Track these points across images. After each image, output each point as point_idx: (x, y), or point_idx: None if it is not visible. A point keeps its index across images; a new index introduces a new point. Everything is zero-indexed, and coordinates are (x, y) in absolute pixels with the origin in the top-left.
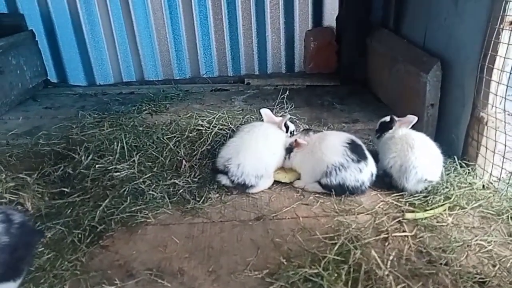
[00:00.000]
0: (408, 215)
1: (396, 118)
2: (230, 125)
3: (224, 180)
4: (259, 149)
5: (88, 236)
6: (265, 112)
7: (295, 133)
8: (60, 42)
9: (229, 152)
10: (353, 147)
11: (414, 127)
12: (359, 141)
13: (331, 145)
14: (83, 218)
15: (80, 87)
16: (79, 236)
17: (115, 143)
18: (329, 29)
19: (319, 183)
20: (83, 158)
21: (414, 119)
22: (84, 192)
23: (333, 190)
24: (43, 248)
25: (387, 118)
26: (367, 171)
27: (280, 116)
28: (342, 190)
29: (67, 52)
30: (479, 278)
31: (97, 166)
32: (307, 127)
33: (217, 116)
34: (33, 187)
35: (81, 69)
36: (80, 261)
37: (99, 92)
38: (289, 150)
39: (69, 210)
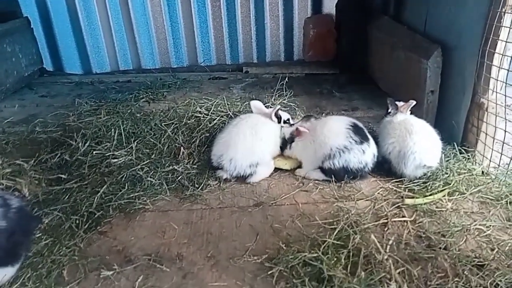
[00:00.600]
0: (408, 201)
1: (398, 103)
2: (229, 112)
3: (224, 174)
4: (247, 140)
5: (86, 222)
6: (254, 104)
7: (290, 121)
8: (56, 29)
9: (220, 149)
10: (356, 129)
11: (414, 114)
12: (360, 124)
13: (334, 128)
14: (80, 204)
15: (76, 75)
16: (77, 222)
17: (113, 129)
18: (328, 16)
19: (321, 169)
20: (80, 145)
21: (412, 102)
22: (82, 178)
23: (333, 175)
24: (40, 234)
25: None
26: (369, 152)
27: (272, 107)
28: (345, 173)
29: (63, 40)
30: (478, 262)
31: (94, 152)
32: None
33: (215, 102)
34: (30, 174)
35: (77, 57)
36: (78, 246)
37: (96, 81)
38: (290, 139)
39: (67, 197)
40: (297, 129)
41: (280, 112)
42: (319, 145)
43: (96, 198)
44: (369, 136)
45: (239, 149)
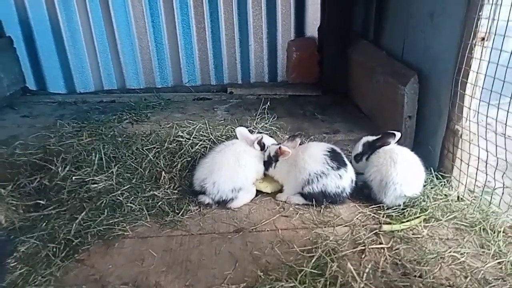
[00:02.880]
0: (385, 227)
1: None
2: (211, 136)
3: (206, 199)
4: (231, 165)
5: (63, 250)
6: (239, 131)
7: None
8: (39, 49)
9: (203, 173)
10: (333, 155)
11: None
12: (339, 150)
13: (312, 154)
14: (58, 231)
15: (60, 95)
16: (54, 250)
17: (93, 154)
18: (311, 39)
19: (302, 194)
20: (60, 169)
21: (398, 135)
22: (60, 204)
23: (314, 199)
24: (15, 263)
25: (369, 138)
26: (347, 177)
27: (257, 134)
28: (324, 198)
29: (47, 59)
30: None
31: (74, 178)
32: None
33: (197, 127)
34: (7, 200)
35: (60, 76)
36: (54, 276)
37: (79, 100)
38: (275, 158)
39: (44, 223)
40: (280, 148)
41: (264, 140)
42: (299, 170)
43: (74, 225)
44: (347, 162)
45: (223, 174)
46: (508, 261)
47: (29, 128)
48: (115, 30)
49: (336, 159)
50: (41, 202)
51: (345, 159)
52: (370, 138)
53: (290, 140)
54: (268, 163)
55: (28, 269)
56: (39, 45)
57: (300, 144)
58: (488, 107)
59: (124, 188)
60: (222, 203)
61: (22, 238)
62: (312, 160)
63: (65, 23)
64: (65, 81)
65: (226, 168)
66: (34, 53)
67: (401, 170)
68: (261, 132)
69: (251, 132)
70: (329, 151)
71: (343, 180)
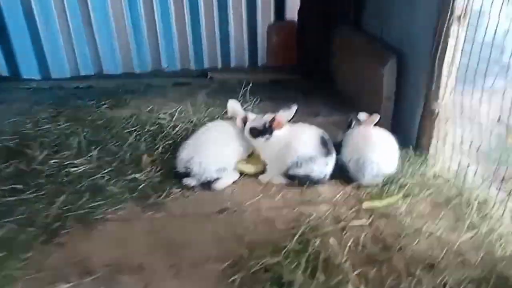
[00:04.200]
0: (365, 204)
1: (363, 116)
2: (193, 119)
3: (191, 182)
4: (216, 145)
5: (42, 234)
6: (231, 104)
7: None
8: (11, 33)
9: (188, 153)
10: (324, 142)
11: None
12: (327, 136)
13: (305, 138)
14: (37, 215)
15: (34, 81)
16: (33, 234)
17: (72, 137)
18: (291, 23)
19: (285, 174)
20: (37, 153)
21: (376, 117)
22: (39, 189)
23: (296, 180)
24: None
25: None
26: (331, 164)
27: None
28: (306, 181)
29: (19, 44)
30: (429, 262)
31: (52, 161)
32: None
33: (179, 109)
34: None
35: (34, 62)
36: (34, 259)
37: (55, 86)
38: (269, 130)
39: (22, 208)
40: (274, 117)
41: (249, 117)
42: (289, 152)
43: (54, 208)
44: (333, 149)
45: (209, 153)
46: (481, 233)
47: (3, 115)
48: (90, 13)
49: (325, 146)
50: (18, 186)
51: (332, 147)
52: (362, 115)
53: (285, 110)
54: (261, 132)
55: (5, 254)
56: (11, 30)
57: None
58: (463, 86)
59: (105, 171)
60: (207, 185)
61: None
62: (304, 144)
63: (38, 6)
64: (39, 67)
65: (212, 147)
66: (6, 38)
67: (376, 149)
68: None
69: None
70: (321, 137)
71: (328, 166)
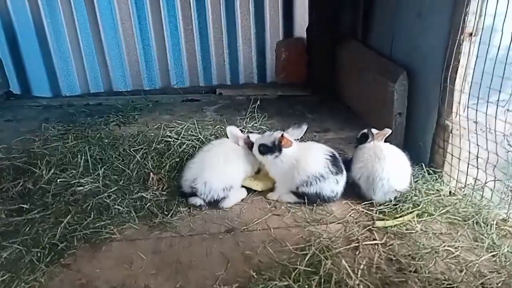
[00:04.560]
0: (378, 223)
1: (374, 131)
2: (200, 136)
3: (198, 201)
4: (221, 164)
5: (48, 255)
6: (230, 130)
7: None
8: (23, 52)
9: (193, 173)
10: (333, 160)
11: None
12: (337, 154)
13: (315, 156)
14: (43, 236)
15: (45, 98)
16: (38, 255)
17: (79, 156)
18: (299, 40)
19: (294, 192)
20: (44, 172)
21: (388, 131)
22: (45, 208)
23: (306, 198)
24: None
25: (365, 131)
26: (342, 183)
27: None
28: (316, 199)
29: (31, 63)
30: (447, 284)
31: (58, 180)
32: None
33: (186, 126)
34: None
35: (45, 80)
36: (38, 281)
37: (65, 104)
38: (278, 147)
39: (28, 228)
40: (282, 135)
41: (252, 139)
42: (298, 171)
43: (59, 228)
44: (343, 168)
45: (214, 172)
46: (502, 254)
47: (13, 132)
48: (101, 31)
49: (335, 164)
50: (25, 206)
51: (342, 165)
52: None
53: (296, 128)
54: (269, 149)
55: (10, 276)
56: (23, 48)
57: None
58: (477, 102)
59: (111, 190)
60: (214, 203)
61: (4, 243)
62: (314, 162)
63: (49, 25)
64: (50, 85)
65: (217, 166)
66: (18, 57)
67: (386, 165)
68: (251, 132)
69: (242, 131)
70: (330, 155)
71: (338, 185)
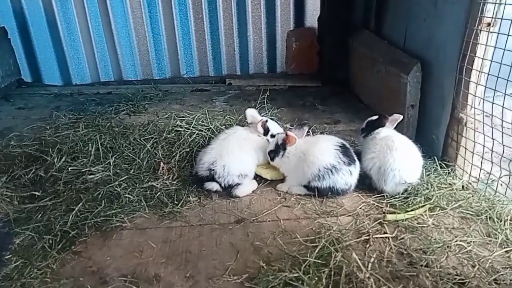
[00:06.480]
0: (389, 216)
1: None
2: (210, 126)
3: (214, 186)
4: (238, 150)
5: (59, 242)
6: (249, 112)
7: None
8: (34, 40)
9: (212, 156)
10: (344, 150)
11: (396, 128)
12: (348, 145)
13: (324, 148)
14: (54, 223)
15: (56, 86)
16: (50, 242)
17: (90, 144)
18: (310, 29)
19: (306, 186)
20: (55, 160)
21: (399, 117)
22: (56, 195)
23: (316, 191)
24: (10, 255)
25: (374, 117)
26: (356, 174)
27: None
28: (330, 193)
29: (42, 51)
30: (459, 279)
31: (70, 168)
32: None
33: (196, 116)
34: (2, 191)
35: (56, 68)
36: (50, 268)
37: (75, 92)
38: (282, 146)
39: (40, 215)
40: (286, 134)
41: (269, 124)
42: (308, 165)
43: (71, 216)
44: (356, 158)
45: (232, 157)
46: None
47: (24, 120)
48: (111, 20)
49: (347, 154)
50: (37, 193)
51: (354, 155)
52: (374, 117)
53: (298, 129)
54: (275, 152)
55: (23, 262)
56: (34, 36)
57: (307, 134)
58: (494, 94)
59: (122, 179)
60: (228, 189)
61: (17, 230)
62: (323, 154)
63: (60, 13)
64: (61, 73)
65: (234, 153)
66: (29, 44)
67: (398, 156)
68: (271, 118)
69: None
70: (340, 146)
71: (352, 176)
